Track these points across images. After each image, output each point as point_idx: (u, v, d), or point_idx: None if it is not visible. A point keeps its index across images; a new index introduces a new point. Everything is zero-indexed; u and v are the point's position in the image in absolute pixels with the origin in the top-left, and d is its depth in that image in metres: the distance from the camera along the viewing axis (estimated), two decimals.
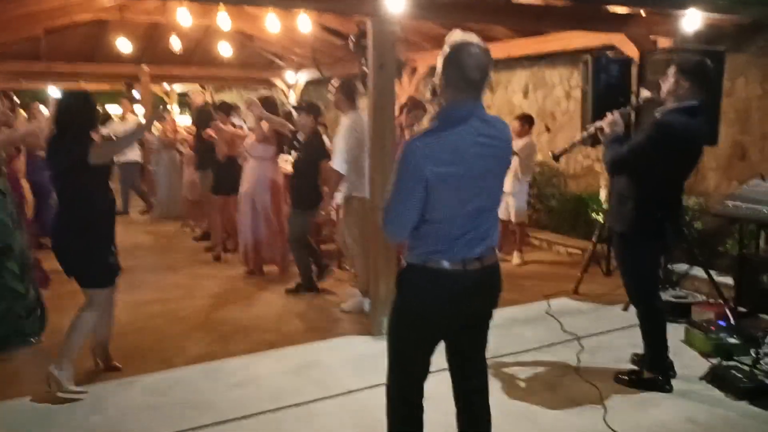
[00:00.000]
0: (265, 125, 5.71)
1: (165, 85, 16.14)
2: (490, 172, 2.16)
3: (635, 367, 3.72)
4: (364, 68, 4.20)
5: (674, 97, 3.30)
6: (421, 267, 2.19)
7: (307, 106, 5.65)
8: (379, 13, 3.90)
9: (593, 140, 4.09)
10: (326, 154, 5.28)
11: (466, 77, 2.06)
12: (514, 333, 4.45)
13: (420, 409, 2.40)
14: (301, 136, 5.70)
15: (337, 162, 4.74)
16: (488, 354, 3.84)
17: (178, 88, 17.51)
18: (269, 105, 5.88)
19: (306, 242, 5.43)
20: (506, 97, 8.61)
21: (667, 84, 3.33)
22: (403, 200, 2.10)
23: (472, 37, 2.10)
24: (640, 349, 3.69)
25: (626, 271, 3.57)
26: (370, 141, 4.22)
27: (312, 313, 4.98)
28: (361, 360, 3.94)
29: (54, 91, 19.95)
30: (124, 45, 8.29)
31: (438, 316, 2.24)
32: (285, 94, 13.29)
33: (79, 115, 3.44)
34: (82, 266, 3.47)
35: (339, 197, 5.07)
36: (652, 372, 3.54)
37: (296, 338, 4.39)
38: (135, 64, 10.62)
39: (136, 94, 11.75)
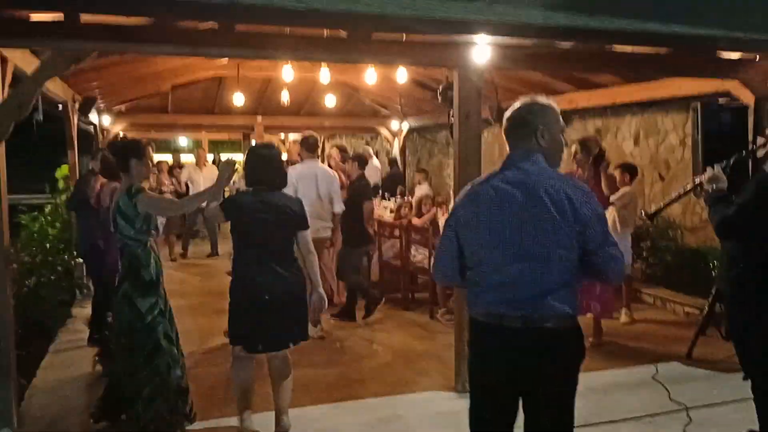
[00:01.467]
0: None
1: (282, 135, 17.12)
2: (518, 221, 2.09)
3: None
4: (451, 119, 4.19)
5: None
6: (471, 318, 2.25)
7: (354, 156, 6.39)
8: (465, 66, 3.90)
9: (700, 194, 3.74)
10: (368, 197, 6.16)
11: (503, 127, 2.29)
12: (613, 399, 4.12)
13: None
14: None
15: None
16: (582, 421, 3.62)
17: (293, 136, 18.53)
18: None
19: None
20: (615, 143, 8.24)
21: None
22: (439, 246, 2.34)
23: (527, 98, 2.29)
24: (757, 426, 3.27)
25: (741, 339, 3.21)
26: (456, 190, 4.17)
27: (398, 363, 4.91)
28: (445, 417, 3.79)
29: (183, 141, 21.74)
30: (238, 99, 8.89)
31: (478, 372, 2.23)
32: (389, 142, 13.60)
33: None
34: (304, 319, 3.59)
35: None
36: None
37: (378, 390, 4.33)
38: (250, 115, 11.36)
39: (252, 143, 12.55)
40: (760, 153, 3.27)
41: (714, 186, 3.10)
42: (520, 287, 2.08)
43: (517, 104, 2.27)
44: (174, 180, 10.55)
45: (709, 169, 3.20)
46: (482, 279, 2.16)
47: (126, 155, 3.51)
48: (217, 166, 12.44)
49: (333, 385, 4.46)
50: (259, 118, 11.55)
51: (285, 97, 8.79)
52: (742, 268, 3.06)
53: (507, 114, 2.27)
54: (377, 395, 4.24)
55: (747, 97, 4.99)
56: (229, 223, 3.51)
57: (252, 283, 3.38)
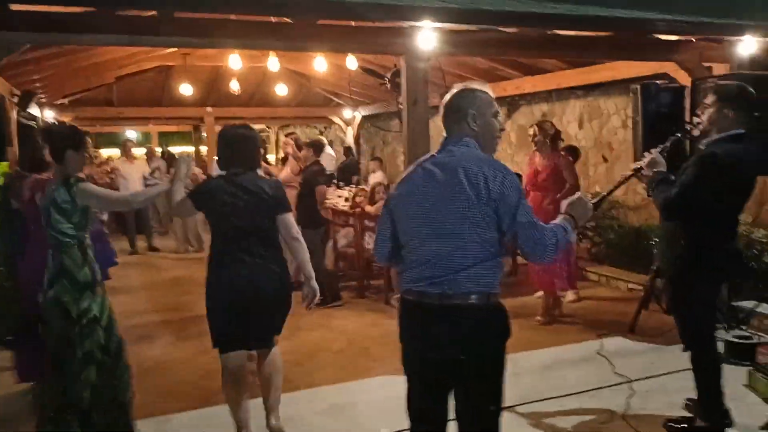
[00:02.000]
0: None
1: None
2: (437, 200, 2.15)
3: (688, 414, 3.46)
4: (400, 105, 4.22)
5: (717, 127, 3.13)
6: (401, 297, 2.33)
7: (309, 143, 6.54)
8: (411, 52, 3.93)
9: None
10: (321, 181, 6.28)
11: (440, 112, 2.34)
12: (559, 375, 4.25)
13: None
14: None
15: None
16: (528, 398, 3.74)
17: None
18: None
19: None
20: (561, 127, 8.39)
21: (708, 114, 3.16)
22: (377, 226, 2.42)
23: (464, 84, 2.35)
24: (696, 394, 3.44)
25: (679, 310, 3.36)
26: None
27: (352, 348, 4.95)
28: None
29: (131, 134, 21.14)
30: (186, 89, 8.72)
31: (404, 350, 2.31)
32: (343, 131, 13.57)
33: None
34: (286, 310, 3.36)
35: None
36: (705, 421, 3.28)
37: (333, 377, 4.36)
38: (200, 106, 11.16)
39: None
40: (695, 132, 3.39)
41: (654, 170, 3.20)
42: (437, 265, 2.13)
43: (452, 91, 2.32)
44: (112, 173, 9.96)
45: (647, 154, 3.30)
46: (407, 257, 2.24)
47: (62, 144, 3.19)
48: (166, 159, 12.18)
49: (287, 373, 4.46)
50: (209, 109, 11.37)
51: (235, 86, 8.67)
52: (682, 246, 3.20)
53: (443, 101, 2.33)
54: (332, 382, 4.27)
55: (684, 79, 5.18)
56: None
57: (226, 275, 3.14)
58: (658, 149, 3.36)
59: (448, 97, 2.31)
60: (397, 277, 2.38)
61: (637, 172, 3.35)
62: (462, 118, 2.26)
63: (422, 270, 2.17)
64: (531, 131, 5.52)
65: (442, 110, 2.32)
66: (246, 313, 3.14)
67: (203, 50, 8.48)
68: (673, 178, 3.21)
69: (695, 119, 3.44)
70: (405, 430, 2.46)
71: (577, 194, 2.41)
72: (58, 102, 9.80)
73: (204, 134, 12.40)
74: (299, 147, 6.83)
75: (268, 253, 3.18)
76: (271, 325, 3.30)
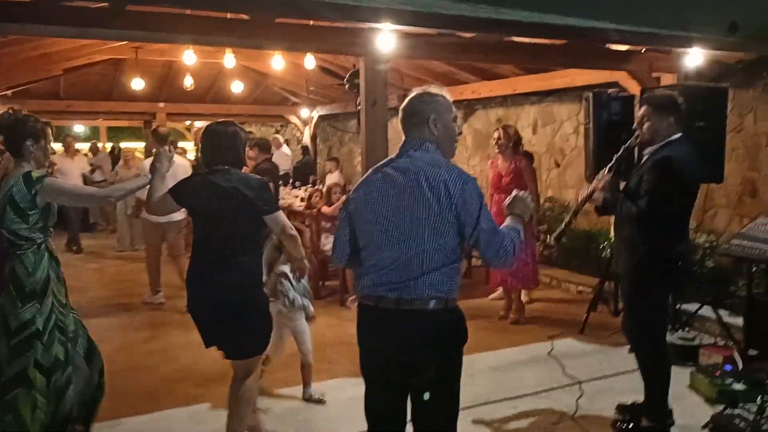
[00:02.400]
0: None
1: (187, 122, 16.49)
2: (397, 205, 2.15)
3: (634, 410, 3.56)
4: (358, 106, 4.21)
5: (659, 135, 3.28)
6: (358, 301, 2.31)
7: (254, 143, 6.24)
8: (370, 53, 3.93)
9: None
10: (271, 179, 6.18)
11: (400, 115, 2.32)
12: (512, 376, 4.32)
13: None
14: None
15: None
16: (481, 400, 3.78)
17: (198, 124, 17.91)
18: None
19: None
20: None
21: (648, 124, 3.30)
22: (336, 229, 2.40)
23: (424, 88, 2.33)
24: (643, 396, 3.54)
25: (635, 314, 3.42)
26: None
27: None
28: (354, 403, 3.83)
29: (79, 129, 20.45)
30: (137, 84, 8.49)
31: (362, 354, 2.30)
32: (300, 130, 13.47)
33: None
34: (263, 329, 3.07)
35: None
36: (652, 421, 3.38)
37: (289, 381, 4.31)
38: (151, 101, 10.87)
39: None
40: (633, 143, 3.51)
41: (607, 193, 3.28)
42: (396, 270, 2.13)
43: (412, 94, 2.32)
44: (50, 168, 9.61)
45: (597, 178, 3.38)
46: (366, 261, 2.24)
47: (19, 135, 2.92)
48: (115, 155, 11.83)
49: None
50: (161, 105, 11.10)
51: (188, 82, 8.48)
52: (641, 251, 3.25)
53: (404, 104, 2.32)
54: (287, 385, 4.22)
55: (634, 88, 5.35)
56: None
57: (201, 278, 2.92)
58: (610, 165, 3.46)
59: (408, 100, 2.30)
60: (354, 280, 2.36)
61: (590, 196, 3.45)
62: (422, 122, 2.25)
63: (381, 275, 2.16)
64: (495, 135, 5.56)
65: (401, 114, 2.31)
66: (215, 318, 2.94)
67: (156, 44, 8.28)
68: (628, 188, 3.32)
69: (633, 138, 3.52)
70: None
71: (514, 192, 2.42)
72: (1, 93, 9.39)
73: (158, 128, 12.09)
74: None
75: (245, 258, 2.92)
76: (240, 337, 2.96)
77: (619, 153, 3.53)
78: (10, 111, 3.05)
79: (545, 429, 3.53)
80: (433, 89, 2.31)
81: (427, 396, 2.16)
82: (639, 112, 3.42)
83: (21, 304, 2.87)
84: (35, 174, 2.90)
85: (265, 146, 6.36)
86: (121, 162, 9.52)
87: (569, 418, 3.65)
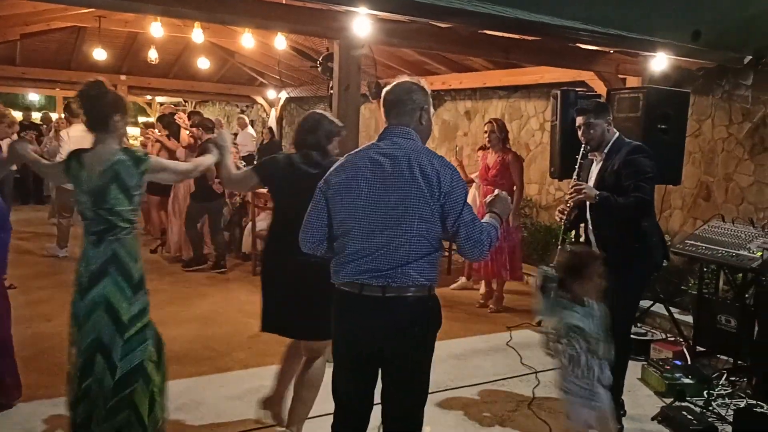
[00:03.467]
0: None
1: (148, 96, 16.06)
2: (385, 192, 2.14)
3: None
4: (331, 90, 4.18)
5: (606, 137, 3.43)
6: (335, 287, 2.27)
7: (198, 122, 6.85)
8: (346, 37, 3.90)
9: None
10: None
11: (383, 100, 2.30)
12: (472, 364, 4.40)
13: None
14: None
15: None
16: (442, 386, 3.84)
17: (160, 99, 17.46)
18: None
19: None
20: (482, 126, 8.65)
21: (596, 130, 3.42)
22: (308, 212, 2.29)
23: (406, 78, 2.35)
24: None
25: (615, 304, 3.44)
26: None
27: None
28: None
29: (34, 97, 19.66)
30: (99, 54, 8.22)
31: (338, 339, 2.29)
32: (266, 111, 13.29)
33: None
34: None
35: None
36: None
37: (248, 362, 4.29)
38: (113, 73, 10.55)
39: None
40: (586, 149, 3.57)
41: (595, 194, 3.29)
42: (381, 257, 2.13)
43: (400, 81, 2.31)
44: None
45: (577, 185, 3.39)
46: (348, 248, 2.18)
47: (108, 107, 2.70)
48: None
49: (200, 357, 4.35)
50: (123, 77, 10.79)
51: (153, 55, 8.26)
52: (633, 236, 3.36)
53: (389, 89, 2.30)
54: (246, 367, 4.20)
55: (600, 88, 5.47)
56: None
57: (272, 261, 2.96)
58: (576, 174, 3.60)
59: (396, 87, 2.29)
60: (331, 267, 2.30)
61: (573, 213, 3.57)
62: (413, 111, 2.26)
63: (365, 262, 2.14)
64: (487, 128, 5.63)
65: (388, 98, 2.29)
66: (292, 296, 2.89)
67: (121, 14, 8.03)
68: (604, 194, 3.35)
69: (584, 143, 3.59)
70: (328, 414, 2.47)
71: (496, 191, 2.47)
72: None
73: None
74: (194, 125, 6.95)
75: None
76: (314, 318, 2.76)
77: (579, 160, 3.63)
78: (97, 81, 2.78)
79: (503, 416, 3.61)
80: (422, 82, 2.33)
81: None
82: (580, 121, 3.48)
83: (132, 294, 2.71)
84: (139, 151, 2.78)
85: (208, 127, 6.68)
86: (51, 133, 8.96)
87: (525, 407, 3.74)
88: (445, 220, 2.16)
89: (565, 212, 3.58)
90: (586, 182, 3.54)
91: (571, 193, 3.42)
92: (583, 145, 3.55)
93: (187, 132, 7.00)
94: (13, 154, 3.05)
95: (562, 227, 3.73)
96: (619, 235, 3.38)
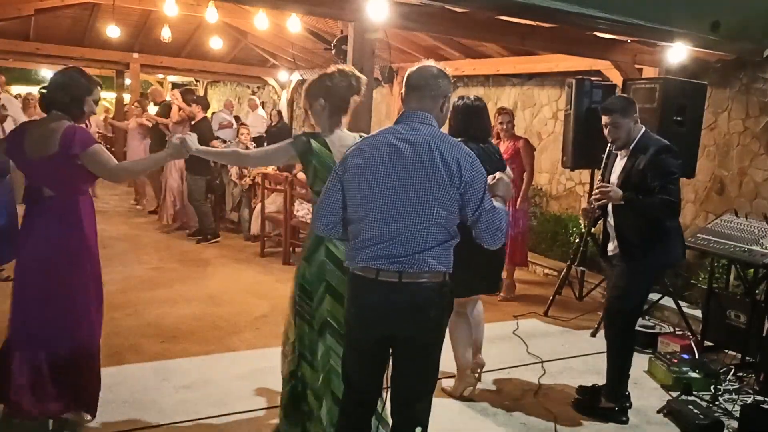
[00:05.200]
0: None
1: (159, 75, 16.04)
2: (406, 178, 2.12)
3: (595, 388, 3.67)
4: None
5: (632, 134, 3.39)
6: (350, 272, 2.26)
7: (197, 98, 7.50)
8: (360, 19, 3.87)
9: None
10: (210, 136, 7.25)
11: (406, 84, 2.27)
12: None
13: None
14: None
15: None
16: (448, 373, 3.84)
17: (171, 78, 17.43)
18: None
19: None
20: (495, 112, 8.58)
21: (622, 129, 3.38)
22: (322, 195, 2.26)
23: (431, 62, 2.32)
24: (602, 378, 3.64)
25: (623, 294, 3.45)
26: None
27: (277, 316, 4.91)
28: None
29: (47, 73, 19.71)
30: (113, 31, 8.20)
31: (352, 324, 2.27)
32: (277, 93, 13.25)
33: None
34: None
35: None
36: (612, 402, 3.48)
37: (255, 343, 4.32)
38: (126, 51, 10.54)
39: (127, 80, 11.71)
40: (612, 148, 3.54)
41: (621, 195, 3.28)
42: (399, 243, 2.11)
43: (426, 65, 2.27)
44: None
45: (603, 187, 3.38)
46: (364, 233, 2.16)
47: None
48: None
49: (208, 337, 4.38)
50: (136, 55, 10.79)
51: (166, 33, 8.22)
52: (655, 230, 3.35)
53: (413, 71, 2.25)
54: (253, 347, 4.22)
55: (616, 78, 5.40)
56: None
57: None
58: (602, 174, 3.60)
59: (422, 71, 2.25)
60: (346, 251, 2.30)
61: (598, 211, 3.57)
62: (436, 98, 2.24)
63: (383, 247, 2.12)
64: (500, 119, 5.59)
65: (412, 82, 2.25)
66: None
67: None
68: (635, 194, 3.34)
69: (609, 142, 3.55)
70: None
71: (498, 174, 2.44)
72: None
73: (128, 81, 11.72)
74: (187, 102, 7.39)
75: None
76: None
77: (605, 159, 3.60)
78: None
79: (508, 404, 3.61)
80: (447, 69, 2.29)
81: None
82: (605, 120, 3.44)
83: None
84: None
85: (205, 105, 7.44)
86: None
87: (531, 395, 3.74)
88: (464, 209, 2.16)
89: (589, 214, 3.63)
90: (609, 177, 3.54)
91: (596, 195, 3.42)
92: (609, 144, 3.53)
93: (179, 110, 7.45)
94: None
95: (587, 227, 3.75)
96: (639, 231, 3.37)
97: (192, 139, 2.85)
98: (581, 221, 3.77)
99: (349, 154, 2.23)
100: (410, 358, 2.23)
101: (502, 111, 5.72)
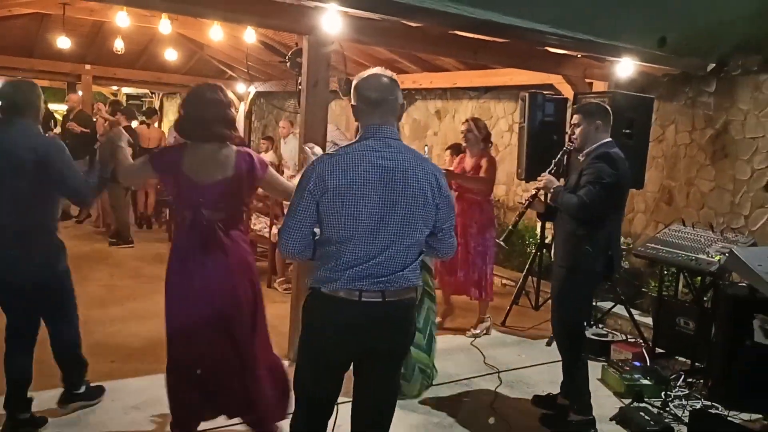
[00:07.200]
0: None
1: (114, 87, 15.70)
2: (393, 199, 2.09)
3: (550, 397, 3.71)
4: (299, 86, 4.14)
5: (591, 139, 3.44)
6: (325, 295, 2.15)
7: (122, 108, 8.05)
8: (315, 33, 3.86)
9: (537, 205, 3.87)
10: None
11: (365, 98, 2.17)
12: (436, 364, 4.39)
13: None
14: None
15: None
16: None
17: (126, 90, 17.08)
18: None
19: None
20: (453, 125, 8.68)
21: (580, 130, 3.46)
22: (293, 215, 2.12)
23: (379, 70, 2.23)
24: (557, 387, 3.69)
25: (567, 306, 3.51)
26: (301, 159, 4.15)
27: None
28: None
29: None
30: (63, 42, 8.00)
31: (328, 345, 2.20)
32: (235, 106, 13.11)
33: None
34: None
35: None
36: (580, 414, 3.48)
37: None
38: (77, 62, 10.29)
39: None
40: (569, 147, 3.65)
41: (553, 187, 3.46)
42: (382, 263, 2.09)
43: (377, 75, 2.19)
44: None
45: (540, 178, 3.57)
46: (348, 254, 2.08)
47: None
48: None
49: (160, 355, 4.26)
50: (88, 67, 10.52)
51: (119, 45, 8.07)
52: (583, 242, 3.37)
53: (369, 85, 2.17)
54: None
55: (567, 91, 5.52)
56: None
57: None
58: (550, 168, 3.64)
59: (385, 82, 2.17)
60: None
61: (534, 197, 3.68)
62: (396, 109, 2.22)
63: (366, 268, 2.07)
64: (464, 127, 5.05)
65: (375, 95, 2.15)
66: None
67: (86, 2, 7.81)
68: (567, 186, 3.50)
69: (568, 142, 3.65)
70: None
71: (544, 176, 2.56)
72: None
73: (80, 93, 11.43)
74: (114, 112, 7.69)
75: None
76: None
77: (558, 156, 3.68)
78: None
79: (466, 417, 3.61)
80: (392, 74, 2.24)
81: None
82: (572, 119, 3.58)
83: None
84: None
85: (130, 114, 7.84)
86: None
87: (488, 406, 3.76)
88: (437, 223, 2.20)
89: (525, 199, 3.80)
90: (563, 176, 3.68)
91: (537, 185, 3.65)
92: (566, 144, 3.65)
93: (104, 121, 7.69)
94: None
95: (519, 211, 3.87)
96: (573, 234, 3.43)
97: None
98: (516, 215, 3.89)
99: (326, 172, 2.08)
100: (386, 368, 2.26)
101: (465, 121, 5.14)
